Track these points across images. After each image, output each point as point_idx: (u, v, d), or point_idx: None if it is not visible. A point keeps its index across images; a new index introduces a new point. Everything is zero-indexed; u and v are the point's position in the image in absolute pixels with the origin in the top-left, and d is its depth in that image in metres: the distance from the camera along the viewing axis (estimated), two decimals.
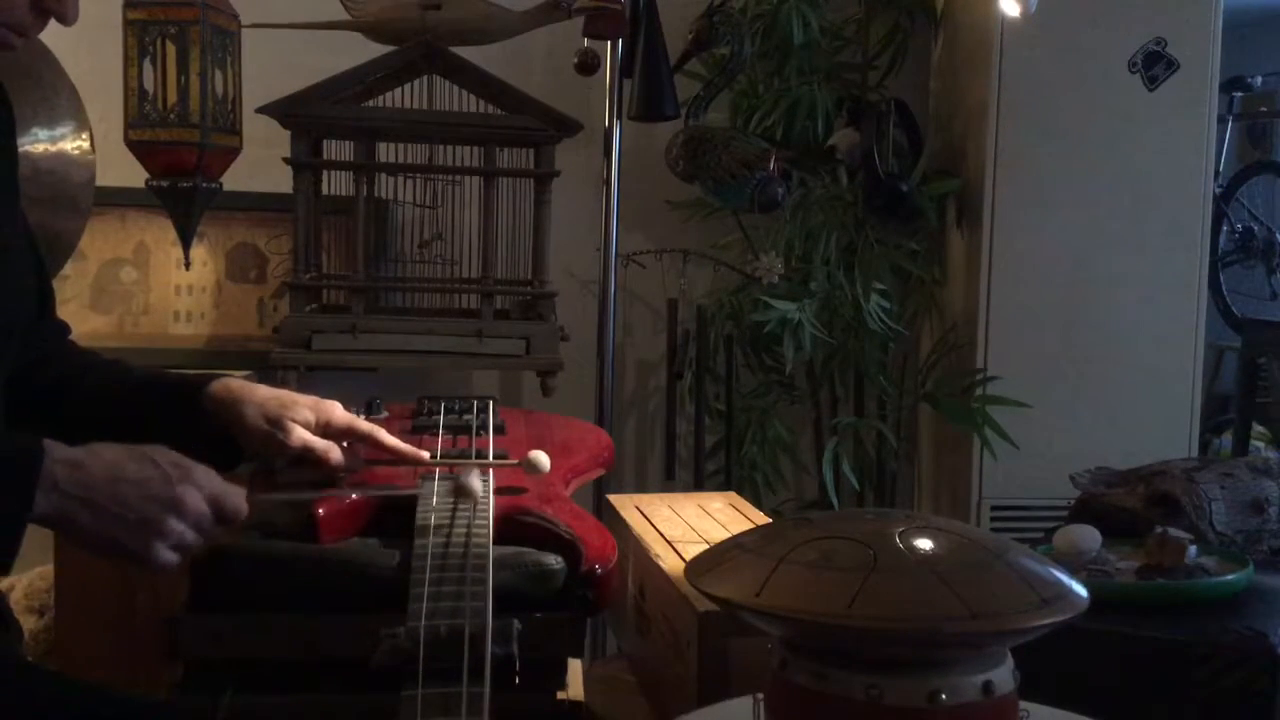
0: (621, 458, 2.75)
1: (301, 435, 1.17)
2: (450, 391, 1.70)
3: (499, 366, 2.44)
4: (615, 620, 1.62)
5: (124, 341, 2.41)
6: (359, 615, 1.00)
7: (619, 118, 2.35)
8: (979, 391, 2.42)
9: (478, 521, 1.08)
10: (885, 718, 0.81)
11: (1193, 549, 1.39)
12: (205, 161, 2.01)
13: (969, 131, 2.52)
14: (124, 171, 2.18)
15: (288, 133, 2.12)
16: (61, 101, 2.09)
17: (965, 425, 2.41)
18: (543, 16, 2.17)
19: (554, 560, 1.09)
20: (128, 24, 1.99)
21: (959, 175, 2.54)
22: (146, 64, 1.98)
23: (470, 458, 1.25)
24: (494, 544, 1.05)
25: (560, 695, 1.12)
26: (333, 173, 2.22)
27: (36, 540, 0.93)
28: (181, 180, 2.01)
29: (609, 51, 2.32)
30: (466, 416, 1.41)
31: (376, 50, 2.16)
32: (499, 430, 1.40)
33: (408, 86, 2.19)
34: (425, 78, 2.19)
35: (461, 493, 1.12)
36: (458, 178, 2.26)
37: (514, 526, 1.12)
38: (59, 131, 2.08)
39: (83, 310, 2.43)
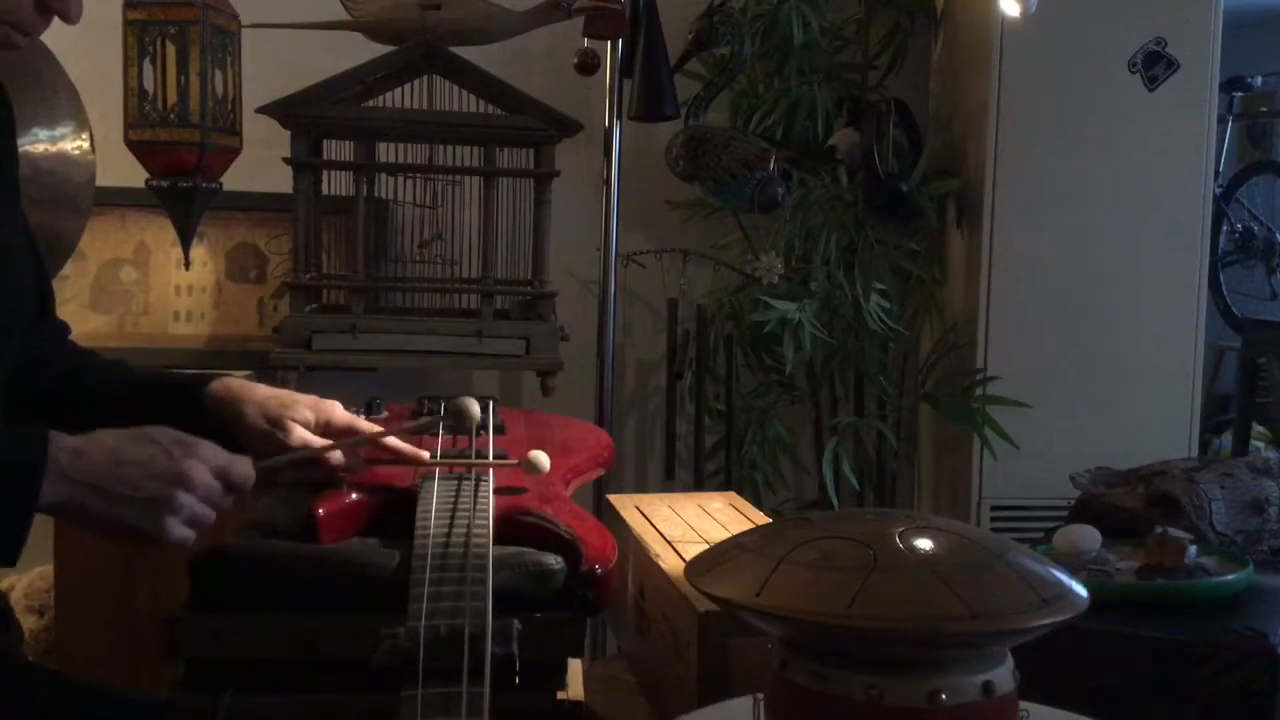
0: (621, 458, 2.75)
1: (301, 435, 1.17)
2: (450, 391, 1.70)
3: (499, 366, 2.45)
4: (615, 620, 1.62)
5: (124, 341, 2.41)
6: (359, 615, 1.00)
7: (619, 118, 2.35)
8: (979, 391, 2.42)
9: (478, 521, 1.08)
10: (885, 718, 0.81)
11: (1193, 549, 1.39)
12: (205, 161, 2.01)
13: (969, 131, 2.52)
14: (124, 171, 2.18)
15: (288, 133, 2.12)
16: (61, 101, 2.09)
17: (965, 425, 2.41)
18: (543, 16, 2.17)
19: (554, 560, 1.09)
20: (128, 24, 1.99)
21: (959, 175, 2.54)
22: (146, 64, 1.98)
23: (470, 457, 1.25)
24: (494, 544, 1.06)
25: (560, 695, 1.12)
26: (333, 173, 2.22)
27: (37, 540, 0.93)
28: (181, 180, 2.01)
29: (609, 51, 2.32)
30: (454, 402, 1.41)
31: (376, 50, 2.16)
32: (499, 430, 1.40)
33: (408, 86, 2.19)
34: (425, 78, 2.19)
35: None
36: (458, 178, 2.26)
37: (514, 526, 1.12)
38: (59, 131, 2.08)
39: (83, 310, 2.43)
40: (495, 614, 0.91)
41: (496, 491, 1.17)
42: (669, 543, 1.40)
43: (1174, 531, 1.40)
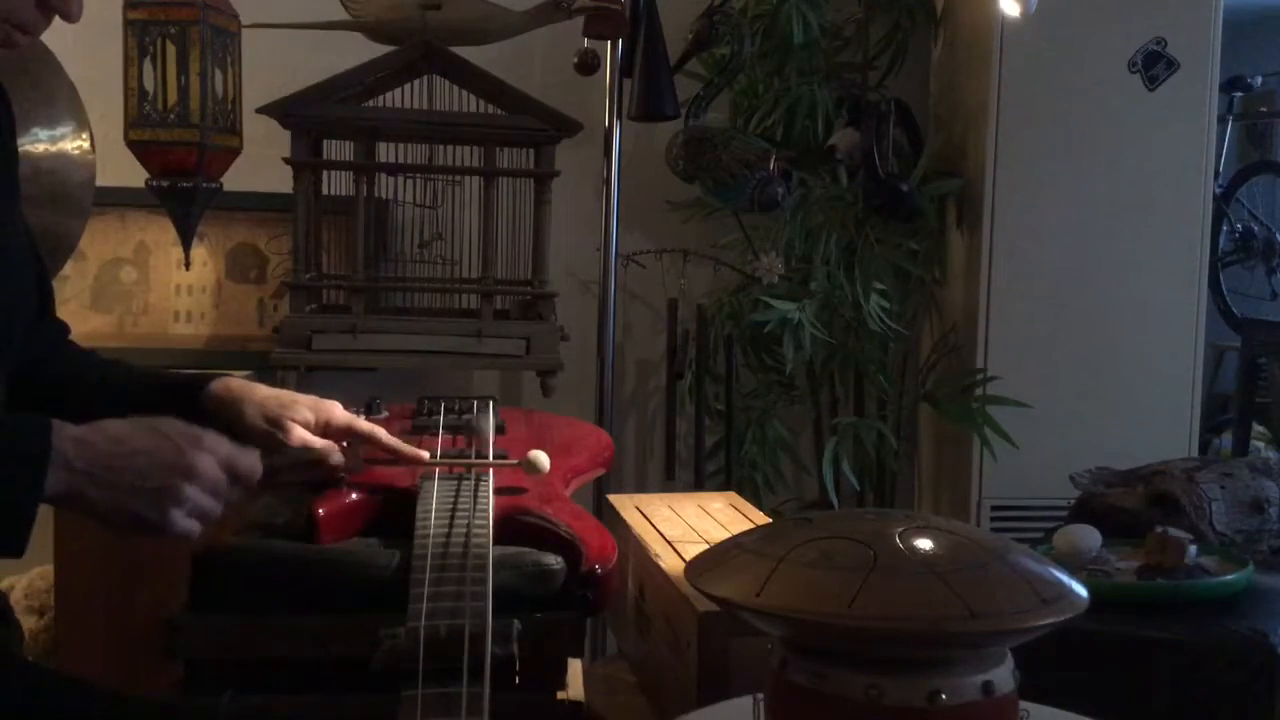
0: (621, 458, 2.75)
1: (301, 435, 1.17)
2: (450, 391, 1.70)
3: (499, 366, 2.45)
4: (615, 620, 1.62)
5: (124, 341, 2.41)
6: (359, 615, 1.00)
7: (619, 118, 2.35)
8: (979, 391, 2.42)
9: (477, 522, 1.08)
10: (885, 718, 0.81)
11: (1193, 549, 1.39)
12: (205, 161, 2.01)
13: (969, 131, 2.52)
14: (124, 171, 2.18)
15: (288, 133, 2.12)
16: (61, 101, 2.09)
17: (965, 425, 2.41)
18: (543, 16, 2.17)
19: (554, 560, 1.09)
20: (128, 24, 1.99)
21: (959, 175, 2.54)
22: (147, 64, 1.98)
23: (470, 458, 1.25)
24: (494, 544, 1.06)
25: (560, 695, 1.12)
26: (333, 173, 2.22)
27: (37, 540, 0.93)
28: (181, 180, 2.01)
29: (609, 51, 2.32)
30: (466, 416, 1.41)
31: (376, 50, 2.16)
32: (499, 430, 1.40)
33: (408, 86, 2.19)
34: (425, 78, 2.19)
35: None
36: (458, 178, 2.26)
37: (514, 526, 1.13)
38: (59, 131, 2.08)
39: (83, 310, 2.43)
40: (495, 614, 0.91)
41: (496, 491, 1.17)
42: (669, 543, 1.40)
43: (1174, 531, 1.40)
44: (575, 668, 1.23)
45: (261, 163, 2.25)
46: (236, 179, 2.16)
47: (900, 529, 0.87)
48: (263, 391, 1.20)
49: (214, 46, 2.01)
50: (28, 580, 2.28)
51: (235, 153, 2.11)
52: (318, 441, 1.18)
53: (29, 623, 2.17)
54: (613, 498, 1.68)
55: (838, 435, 2.44)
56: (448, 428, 1.38)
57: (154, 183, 2.03)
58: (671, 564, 1.31)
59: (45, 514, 0.94)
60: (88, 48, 2.11)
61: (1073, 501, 1.69)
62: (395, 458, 1.22)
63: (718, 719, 1.02)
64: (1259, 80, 3.75)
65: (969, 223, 2.52)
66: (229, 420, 1.17)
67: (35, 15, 1.02)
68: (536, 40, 2.38)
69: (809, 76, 2.52)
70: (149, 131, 2.00)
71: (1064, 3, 2.29)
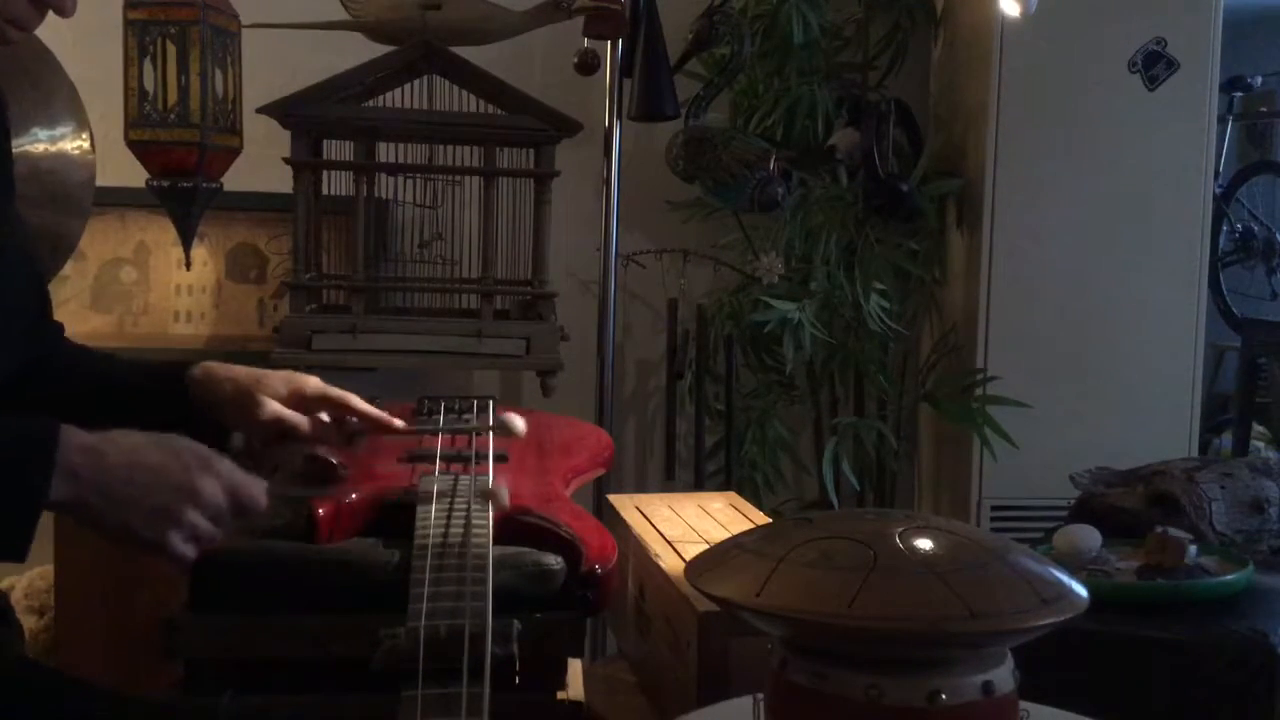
0: (621, 458, 2.75)
1: (274, 408, 1.17)
2: (450, 391, 1.70)
3: (499, 366, 2.44)
4: (615, 620, 1.62)
5: (124, 341, 2.41)
6: (359, 615, 1.00)
7: (619, 118, 2.35)
8: (979, 391, 2.42)
9: (477, 521, 1.08)
10: (885, 718, 0.81)
11: (1193, 549, 1.39)
12: (205, 161, 2.01)
13: (969, 131, 2.52)
14: (124, 171, 2.18)
15: (288, 133, 2.12)
16: (61, 101, 2.09)
17: (965, 425, 2.41)
18: (543, 16, 2.17)
19: (554, 560, 1.09)
20: (128, 24, 1.99)
21: (959, 175, 2.54)
22: (147, 64, 1.98)
23: (470, 458, 1.25)
24: (494, 544, 1.05)
25: (560, 695, 1.12)
26: (333, 173, 2.22)
27: (37, 540, 0.93)
28: (181, 180, 2.01)
29: (609, 51, 2.32)
30: (466, 416, 1.41)
31: (376, 50, 2.16)
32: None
33: (408, 86, 2.19)
34: (425, 78, 2.19)
35: (489, 497, 1.12)
36: (458, 178, 2.26)
37: (514, 526, 1.12)
38: (59, 131, 2.08)
39: (83, 310, 2.43)
40: (495, 614, 0.91)
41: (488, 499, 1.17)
42: (669, 543, 1.40)
43: (1174, 531, 1.40)
44: (575, 668, 1.23)
45: (261, 163, 2.25)
46: (236, 179, 2.16)
47: (900, 529, 0.87)
48: (239, 370, 1.20)
49: (214, 46, 2.01)
50: (28, 580, 2.28)
51: (235, 153, 2.11)
52: (289, 414, 1.18)
53: (29, 623, 2.18)
54: (613, 498, 1.68)
55: (838, 435, 2.44)
56: (447, 428, 1.38)
57: (154, 183, 2.03)
58: (671, 564, 1.31)
59: (46, 515, 0.93)
60: (88, 48, 2.11)
61: (1073, 501, 1.69)
62: (368, 424, 1.23)
63: (718, 719, 1.02)
64: (1259, 80, 3.75)
65: (969, 223, 2.52)
66: (208, 402, 1.18)
67: (29, 10, 1.02)
68: (536, 40, 2.38)
69: (809, 76, 2.52)
70: (149, 131, 2.00)
71: (1064, 3, 2.29)
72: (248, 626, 1.07)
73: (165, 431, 0.99)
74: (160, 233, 2.41)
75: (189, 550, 0.95)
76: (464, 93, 2.18)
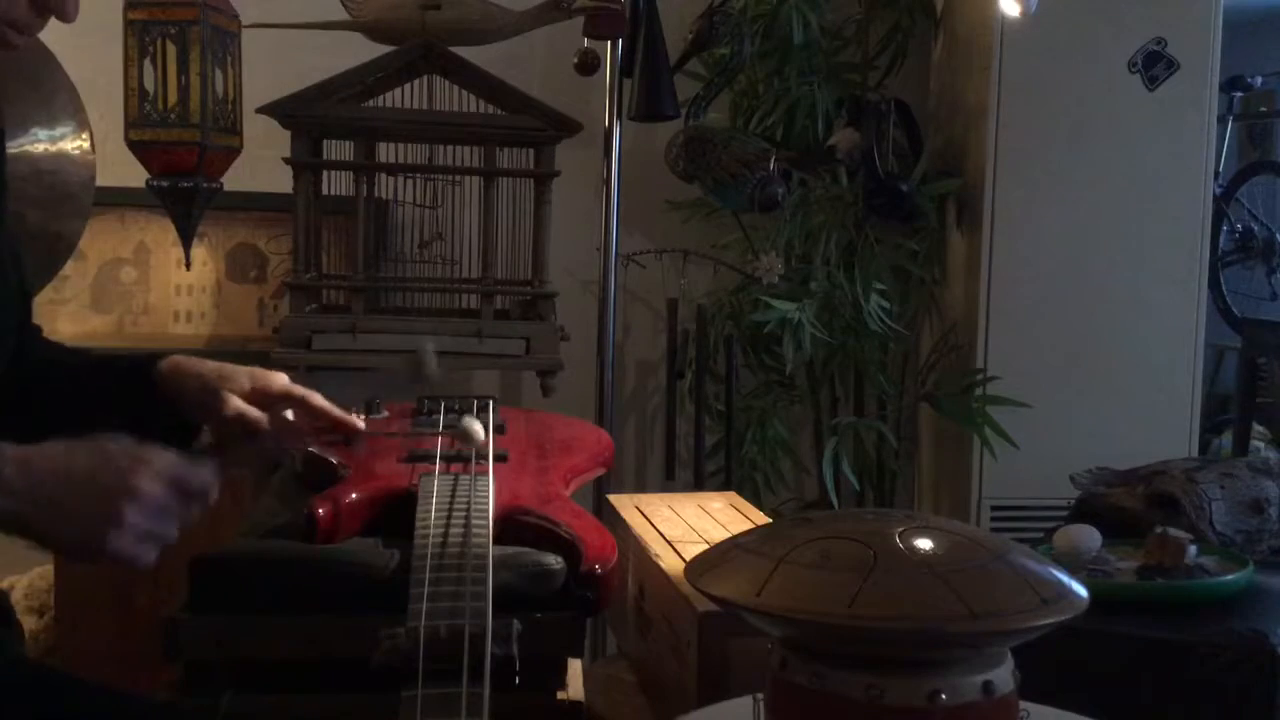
0: (621, 458, 2.75)
1: (236, 405, 1.17)
2: (450, 391, 1.70)
3: (499, 366, 2.45)
4: (615, 620, 1.62)
5: (124, 341, 2.41)
6: (359, 615, 1.00)
7: (619, 118, 2.35)
8: (979, 391, 2.42)
9: (477, 521, 1.08)
10: (885, 718, 0.81)
11: (1193, 549, 1.39)
12: (205, 161, 2.01)
13: (969, 131, 2.52)
14: (124, 171, 2.18)
15: (288, 133, 2.12)
16: (61, 102, 2.09)
17: (965, 425, 2.41)
18: (543, 16, 2.17)
19: (554, 560, 1.09)
20: (128, 24, 1.99)
21: (959, 175, 2.54)
22: (147, 64, 1.98)
23: (470, 458, 1.25)
24: (494, 544, 1.06)
25: (560, 695, 1.12)
26: (333, 173, 2.22)
27: None
28: (181, 180, 2.01)
29: (609, 51, 2.32)
30: (466, 416, 1.41)
31: (376, 50, 2.16)
32: (499, 430, 1.40)
33: (408, 86, 2.19)
34: (425, 78, 2.19)
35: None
36: (458, 178, 2.26)
37: (514, 526, 1.13)
38: (59, 131, 2.08)
39: (83, 310, 2.43)
40: (495, 614, 0.91)
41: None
42: (669, 543, 1.40)
43: (1174, 531, 1.40)
44: (575, 668, 1.23)
45: (261, 163, 2.25)
46: (236, 179, 2.16)
47: (900, 529, 0.87)
48: (207, 365, 1.20)
49: (214, 46, 2.01)
50: (28, 580, 2.28)
51: (235, 153, 2.11)
52: (252, 411, 1.17)
53: (29, 623, 2.18)
54: (613, 498, 1.68)
55: (838, 435, 2.44)
56: (447, 427, 1.38)
57: (154, 183, 2.03)
58: (671, 564, 1.31)
59: None
60: (88, 48, 2.11)
61: (1073, 501, 1.69)
62: (328, 423, 1.23)
63: (718, 719, 1.02)
64: (1259, 80, 3.75)
65: (969, 223, 2.52)
66: (175, 396, 1.18)
67: (30, 15, 1.02)
68: (536, 40, 2.38)
69: (809, 76, 2.52)
70: (149, 131, 2.00)
71: (1064, 3, 2.29)
72: (248, 626, 1.07)
73: (136, 426, 0.97)
74: (160, 233, 2.42)
75: (144, 551, 0.92)
76: (464, 93, 2.18)
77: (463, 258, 2.27)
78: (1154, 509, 1.55)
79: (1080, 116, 2.41)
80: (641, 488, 2.73)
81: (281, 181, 2.18)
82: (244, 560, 1.11)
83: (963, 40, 2.58)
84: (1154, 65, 2.40)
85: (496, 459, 1.26)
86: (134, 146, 2.02)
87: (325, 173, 2.21)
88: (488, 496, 1.14)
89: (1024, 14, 2.12)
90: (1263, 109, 3.97)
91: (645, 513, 1.56)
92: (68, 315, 2.42)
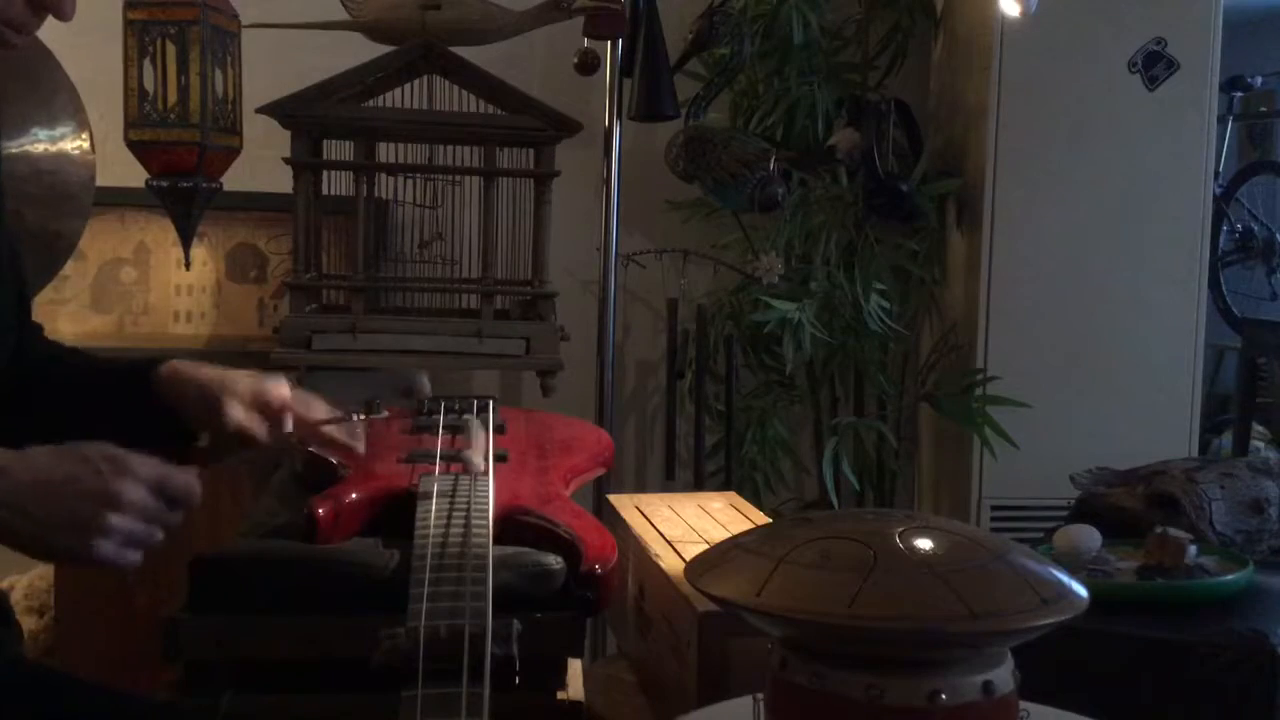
0: (621, 458, 2.75)
1: (237, 418, 1.17)
2: (450, 391, 1.71)
3: (499, 366, 2.44)
4: (615, 620, 1.62)
5: (124, 341, 2.41)
6: (359, 615, 1.00)
7: (619, 118, 2.35)
8: (979, 391, 2.42)
9: (477, 521, 1.08)
10: (885, 718, 0.81)
11: (1193, 549, 1.39)
12: (205, 161, 2.01)
13: (969, 131, 2.52)
14: (124, 171, 2.18)
15: (288, 133, 2.12)
16: (61, 102, 2.09)
17: (965, 425, 2.41)
18: (543, 16, 2.17)
19: (554, 560, 1.09)
20: (128, 24, 1.99)
21: (959, 175, 2.54)
22: (147, 64, 1.98)
23: (470, 457, 1.25)
24: (494, 544, 1.06)
25: (560, 695, 1.12)
26: (333, 173, 2.22)
27: None
28: (181, 180, 2.01)
29: (609, 51, 2.32)
30: (466, 416, 1.41)
31: (376, 50, 2.16)
32: (499, 430, 1.40)
33: (408, 86, 2.19)
34: (425, 78, 2.19)
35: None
36: (458, 178, 2.26)
37: (514, 526, 1.13)
38: (59, 131, 2.08)
39: (83, 310, 2.43)
40: (495, 614, 0.91)
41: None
42: (669, 543, 1.40)
43: (1174, 531, 1.40)
44: (575, 668, 1.23)
45: (261, 163, 2.25)
46: (236, 179, 2.16)
47: (900, 529, 0.87)
48: (206, 372, 1.20)
49: (214, 46, 2.01)
50: (28, 580, 2.28)
51: (235, 153, 2.11)
52: (252, 425, 1.17)
53: (29, 623, 2.18)
54: (613, 498, 1.68)
55: (838, 435, 2.44)
56: (447, 427, 1.38)
57: (154, 183, 2.03)
58: (671, 564, 1.31)
59: None
60: (88, 48, 2.11)
61: (1073, 501, 1.69)
62: (326, 443, 1.23)
63: (718, 719, 1.02)
64: (1259, 80, 3.75)
65: (969, 223, 2.52)
66: (174, 402, 1.18)
67: (26, 14, 1.02)
68: (536, 40, 2.38)
69: (809, 76, 2.53)
70: (149, 131, 1.99)
71: (1064, 3, 2.29)
72: (248, 626, 1.07)
73: (134, 430, 0.97)
74: (160, 233, 2.41)
75: (127, 555, 0.92)
76: (464, 93, 2.18)
77: (463, 258, 2.27)
78: (1154, 509, 1.55)
79: (1080, 116, 2.41)
80: (641, 488, 2.73)
81: (281, 181, 2.18)
82: (244, 560, 1.11)
83: (963, 40, 2.58)
84: (1154, 65, 2.41)
85: (496, 459, 1.26)
86: (134, 146, 2.02)
87: (325, 173, 2.21)
88: (488, 496, 1.14)
89: (1024, 14, 2.13)
90: (1263, 109, 3.97)
91: (645, 513, 1.56)
92: (68, 315, 2.42)
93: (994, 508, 2.46)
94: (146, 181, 2.05)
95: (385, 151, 2.27)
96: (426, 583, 0.96)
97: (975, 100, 2.48)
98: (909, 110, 2.59)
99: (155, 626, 1.07)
